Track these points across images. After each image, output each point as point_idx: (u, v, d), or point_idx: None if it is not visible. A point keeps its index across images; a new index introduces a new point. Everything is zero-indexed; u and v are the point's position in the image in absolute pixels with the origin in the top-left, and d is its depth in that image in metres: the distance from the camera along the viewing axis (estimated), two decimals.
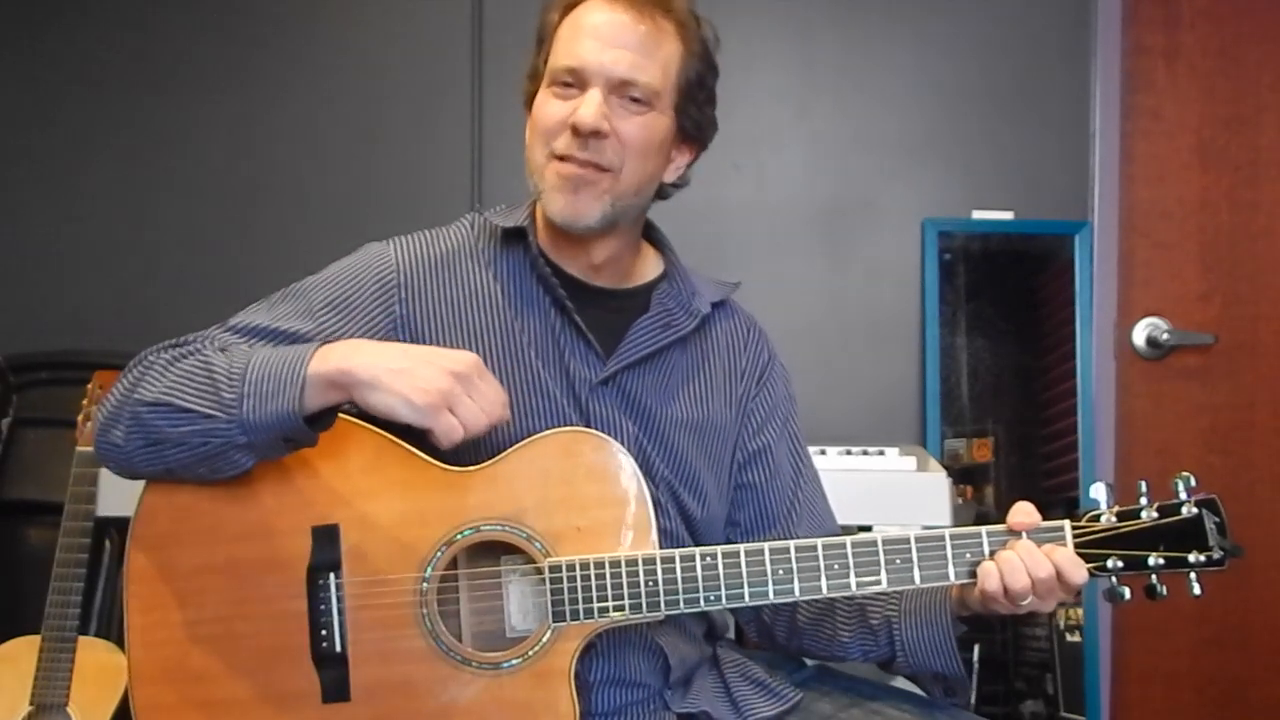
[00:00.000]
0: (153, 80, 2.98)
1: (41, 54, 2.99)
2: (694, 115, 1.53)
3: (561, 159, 1.46)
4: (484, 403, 1.36)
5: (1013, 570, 1.36)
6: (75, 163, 2.99)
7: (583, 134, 1.44)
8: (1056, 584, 1.37)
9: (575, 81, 1.45)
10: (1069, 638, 2.79)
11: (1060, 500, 2.81)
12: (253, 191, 2.97)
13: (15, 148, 3.00)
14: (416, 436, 1.48)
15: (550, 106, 1.47)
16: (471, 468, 1.45)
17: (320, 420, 1.38)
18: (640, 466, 1.45)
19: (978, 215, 2.88)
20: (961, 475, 2.81)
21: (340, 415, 1.45)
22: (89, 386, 2.28)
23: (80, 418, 2.25)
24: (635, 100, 1.46)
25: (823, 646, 1.60)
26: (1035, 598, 1.37)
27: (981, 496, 2.82)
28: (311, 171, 2.96)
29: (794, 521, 1.61)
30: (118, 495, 2.15)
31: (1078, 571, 1.37)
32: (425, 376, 1.34)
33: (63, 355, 2.81)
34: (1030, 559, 1.36)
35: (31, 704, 2.16)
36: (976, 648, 2.77)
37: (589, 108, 1.43)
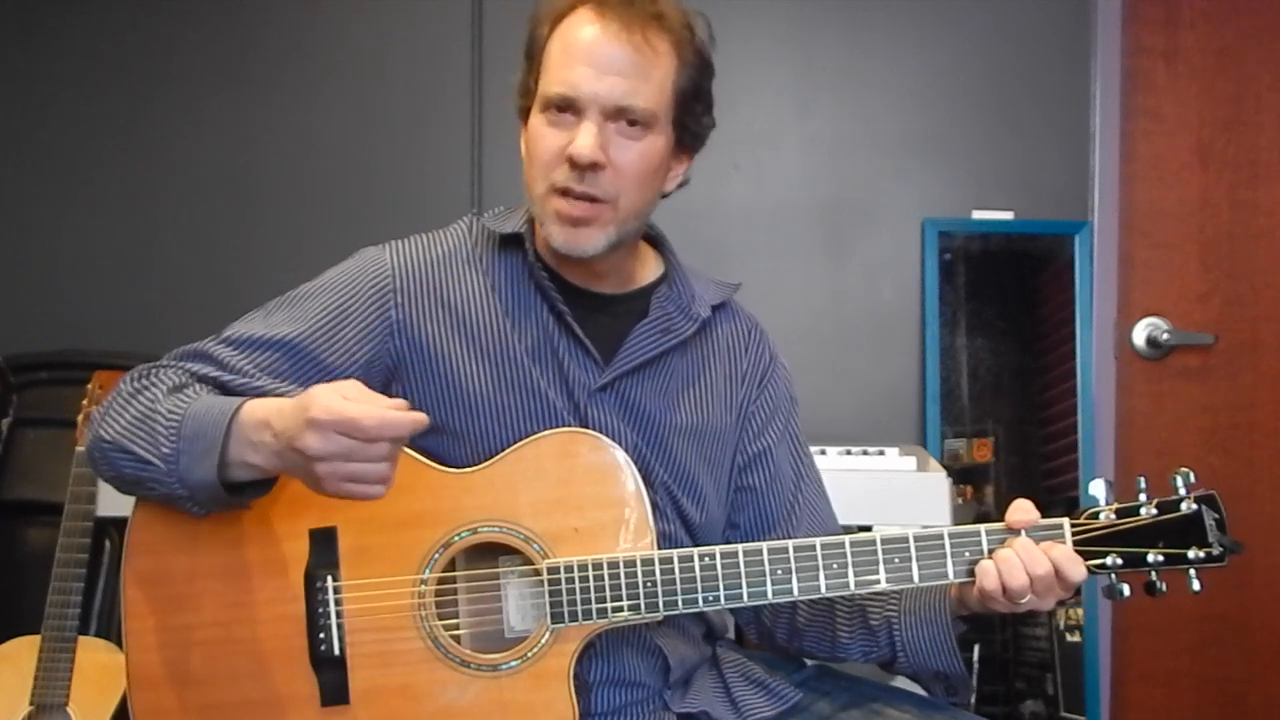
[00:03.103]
0: (152, 80, 2.98)
1: (40, 54, 2.99)
2: (692, 126, 1.51)
3: (562, 193, 1.43)
4: (361, 459, 1.25)
5: (1010, 569, 1.36)
6: (74, 163, 2.99)
7: (580, 167, 1.41)
8: (1055, 581, 1.37)
9: (569, 108, 1.43)
10: (1069, 638, 2.79)
11: (1060, 500, 2.81)
12: (252, 192, 2.97)
13: (14, 148, 3.00)
14: (415, 439, 1.49)
15: (546, 137, 1.44)
16: (469, 469, 1.45)
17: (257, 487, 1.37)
18: (639, 472, 1.45)
19: (978, 215, 2.88)
20: (961, 475, 2.81)
21: None
22: (89, 386, 2.28)
23: (80, 418, 2.25)
24: (632, 124, 1.43)
25: (823, 647, 1.60)
26: (1034, 595, 1.37)
27: (981, 496, 2.82)
28: (311, 172, 2.96)
29: (794, 524, 1.61)
30: (117, 495, 2.12)
31: (1076, 569, 1.37)
32: (303, 470, 1.28)
33: (63, 355, 2.81)
34: (1028, 557, 1.36)
35: (31, 704, 2.16)
36: (976, 648, 2.77)
37: (585, 140, 1.40)
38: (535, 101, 1.46)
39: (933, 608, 1.48)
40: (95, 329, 2.91)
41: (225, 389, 1.44)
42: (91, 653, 2.21)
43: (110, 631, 2.49)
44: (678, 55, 1.46)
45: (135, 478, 1.37)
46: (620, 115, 1.43)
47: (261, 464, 1.33)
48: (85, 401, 2.26)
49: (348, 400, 1.24)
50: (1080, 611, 2.78)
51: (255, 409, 1.33)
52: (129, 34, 2.98)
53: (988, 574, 1.37)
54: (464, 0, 2.92)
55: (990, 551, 1.39)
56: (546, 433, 1.46)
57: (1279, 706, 2.85)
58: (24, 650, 2.21)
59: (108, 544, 2.53)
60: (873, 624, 1.53)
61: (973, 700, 2.74)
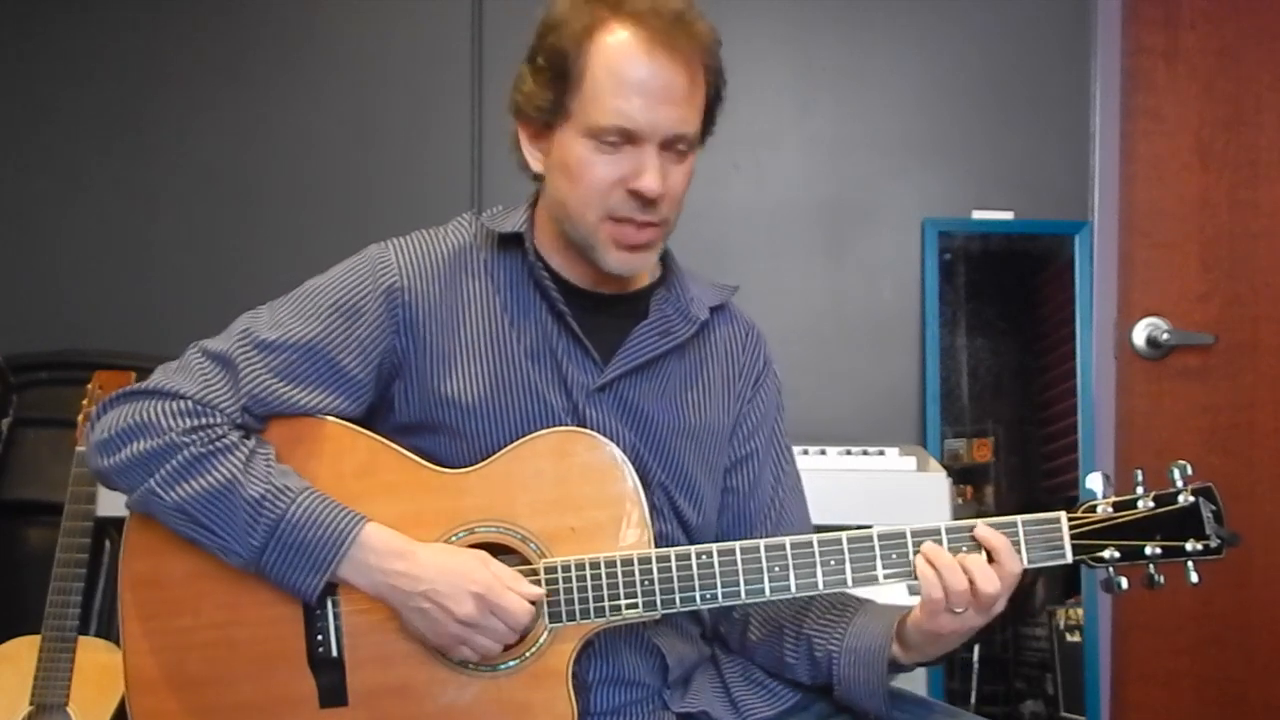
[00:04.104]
0: (152, 80, 2.98)
1: (41, 54, 2.99)
2: (707, 132, 1.52)
3: (619, 221, 1.44)
4: (494, 637, 1.39)
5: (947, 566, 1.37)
6: (75, 162, 2.99)
7: (648, 200, 1.43)
8: (971, 593, 1.37)
9: (624, 139, 1.42)
10: (1069, 638, 2.78)
11: (1060, 500, 2.81)
12: (253, 191, 2.97)
13: (14, 148, 3.00)
14: (412, 440, 1.49)
15: (598, 166, 1.42)
16: (466, 469, 1.45)
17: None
18: (637, 473, 1.45)
19: (978, 215, 2.88)
20: (961, 475, 2.80)
21: (333, 420, 1.46)
22: (89, 386, 2.28)
23: (80, 418, 2.25)
24: (680, 148, 1.45)
25: (771, 664, 1.59)
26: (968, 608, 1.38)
27: (981, 496, 2.82)
28: (311, 171, 2.96)
29: (767, 530, 1.61)
30: (117, 495, 2.14)
31: (990, 582, 1.37)
32: (435, 620, 1.38)
33: (63, 355, 2.81)
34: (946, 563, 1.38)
35: (31, 704, 2.16)
36: (976, 648, 2.77)
37: (653, 176, 1.41)
38: (574, 124, 1.43)
39: (871, 650, 1.47)
40: (95, 329, 2.91)
41: (248, 410, 1.44)
42: (91, 653, 2.21)
43: (110, 631, 2.49)
44: (708, 72, 1.47)
45: (190, 536, 1.41)
46: (674, 143, 1.44)
47: (363, 588, 1.40)
48: (85, 401, 2.26)
49: (509, 588, 1.38)
50: (1080, 611, 2.78)
51: (378, 539, 1.40)
52: (129, 34, 2.98)
53: (929, 581, 1.37)
54: (464, 0, 2.92)
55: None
56: (543, 432, 1.46)
57: (1279, 706, 2.85)
58: (24, 650, 2.22)
59: (108, 544, 2.52)
60: (816, 655, 1.51)
61: (973, 700, 2.74)
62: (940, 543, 1.40)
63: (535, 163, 1.50)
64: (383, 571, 1.39)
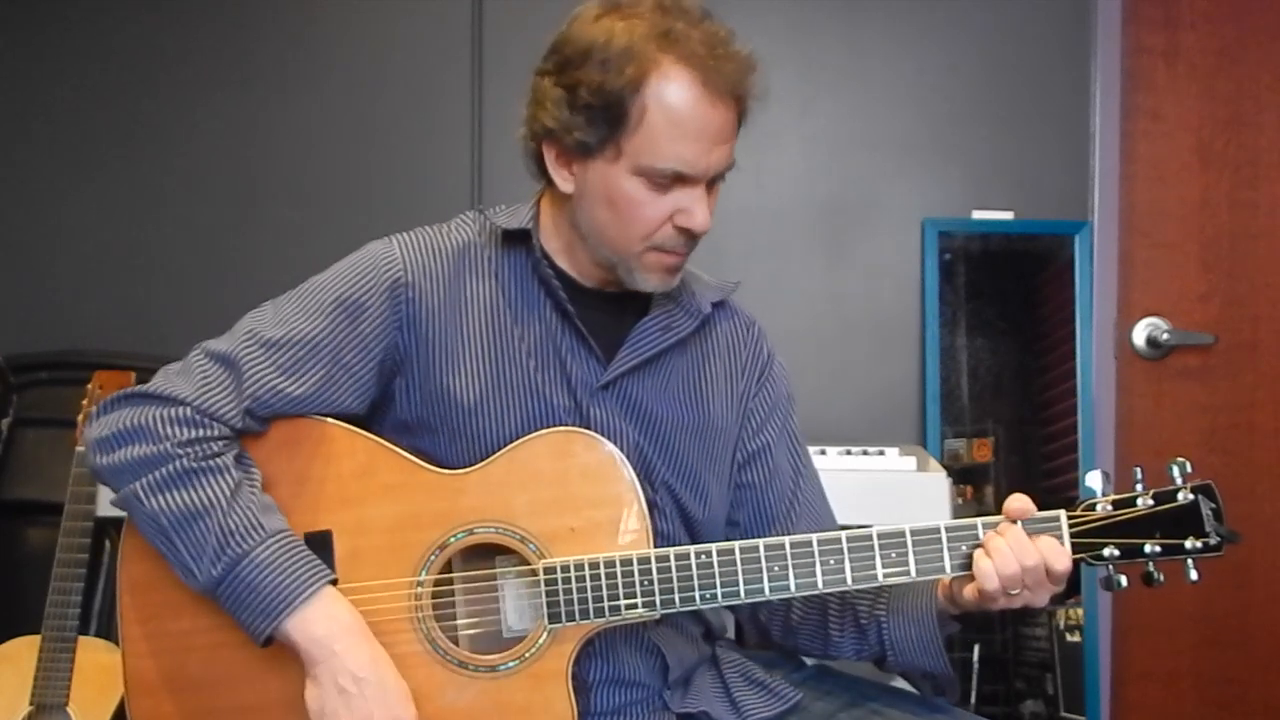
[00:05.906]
0: (152, 80, 2.98)
1: (41, 54, 2.99)
2: None
3: (664, 251, 1.46)
4: None
5: (1003, 558, 1.37)
6: (75, 163, 2.99)
7: (697, 236, 1.45)
8: (1044, 575, 1.37)
9: (675, 180, 1.43)
10: (1069, 638, 2.78)
11: (1060, 500, 2.78)
12: (253, 191, 2.97)
13: (14, 147, 3.00)
14: (411, 439, 1.49)
15: (649, 205, 1.43)
16: (464, 470, 1.45)
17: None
18: (641, 470, 1.46)
19: (978, 215, 2.88)
20: (961, 475, 2.80)
21: (332, 422, 1.46)
22: (89, 386, 2.28)
23: (80, 418, 2.24)
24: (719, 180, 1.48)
25: (817, 645, 1.61)
26: (1025, 590, 1.37)
27: (981, 496, 2.82)
28: (312, 171, 2.96)
29: (793, 522, 1.61)
30: None
31: (1061, 559, 1.37)
32: (333, 708, 1.36)
33: (63, 355, 2.81)
34: (1019, 546, 1.37)
35: (31, 704, 2.16)
36: (976, 648, 2.77)
37: (705, 215, 1.44)
38: (625, 162, 1.42)
39: (919, 607, 1.49)
40: (95, 329, 2.91)
41: (251, 413, 1.44)
42: (91, 653, 2.21)
43: (110, 631, 2.49)
44: (744, 99, 1.48)
45: (152, 542, 1.40)
46: (720, 177, 1.48)
47: (299, 647, 1.38)
48: (85, 401, 2.26)
49: None
50: (1080, 611, 2.78)
51: (334, 613, 1.38)
52: (128, 33, 2.98)
53: (981, 564, 1.37)
54: (464, 0, 2.92)
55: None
56: (542, 432, 1.46)
57: (1279, 707, 2.85)
58: (24, 650, 2.21)
59: (108, 544, 2.52)
60: (862, 623, 1.53)
61: (973, 700, 2.74)
62: (939, 542, 1.40)
63: (564, 183, 1.48)
64: (328, 644, 1.37)
